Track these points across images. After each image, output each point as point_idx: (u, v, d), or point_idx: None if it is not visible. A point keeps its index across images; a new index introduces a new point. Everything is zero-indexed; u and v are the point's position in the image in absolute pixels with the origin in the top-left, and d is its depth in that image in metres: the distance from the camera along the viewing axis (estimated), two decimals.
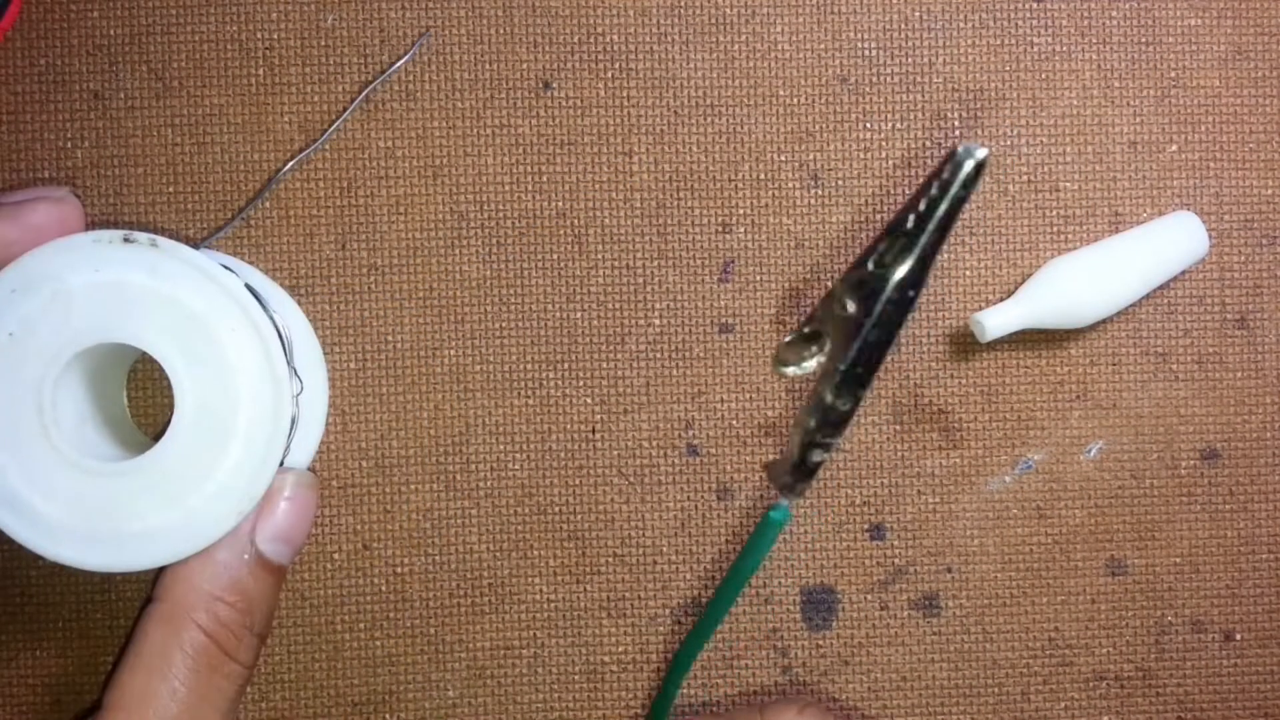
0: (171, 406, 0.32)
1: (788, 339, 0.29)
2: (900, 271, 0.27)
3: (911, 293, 0.28)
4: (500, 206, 0.38)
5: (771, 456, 0.33)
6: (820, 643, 0.38)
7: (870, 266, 0.28)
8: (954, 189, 0.27)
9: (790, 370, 0.29)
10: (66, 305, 0.32)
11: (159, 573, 0.33)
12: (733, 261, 0.38)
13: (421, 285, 0.38)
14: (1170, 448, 0.39)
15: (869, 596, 0.38)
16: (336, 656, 0.38)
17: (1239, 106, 0.39)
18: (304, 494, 0.34)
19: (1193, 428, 0.39)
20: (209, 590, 0.33)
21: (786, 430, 0.38)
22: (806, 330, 0.29)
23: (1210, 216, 0.39)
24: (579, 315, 0.38)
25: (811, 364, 0.29)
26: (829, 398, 0.28)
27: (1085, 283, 0.37)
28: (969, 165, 0.27)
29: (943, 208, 0.27)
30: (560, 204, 0.38)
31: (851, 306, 0.28)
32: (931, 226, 0.28)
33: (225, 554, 0.33)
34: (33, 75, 0.37)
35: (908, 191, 0.38)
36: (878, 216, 0.38)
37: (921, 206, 0.28)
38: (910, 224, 0.28)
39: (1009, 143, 0.38)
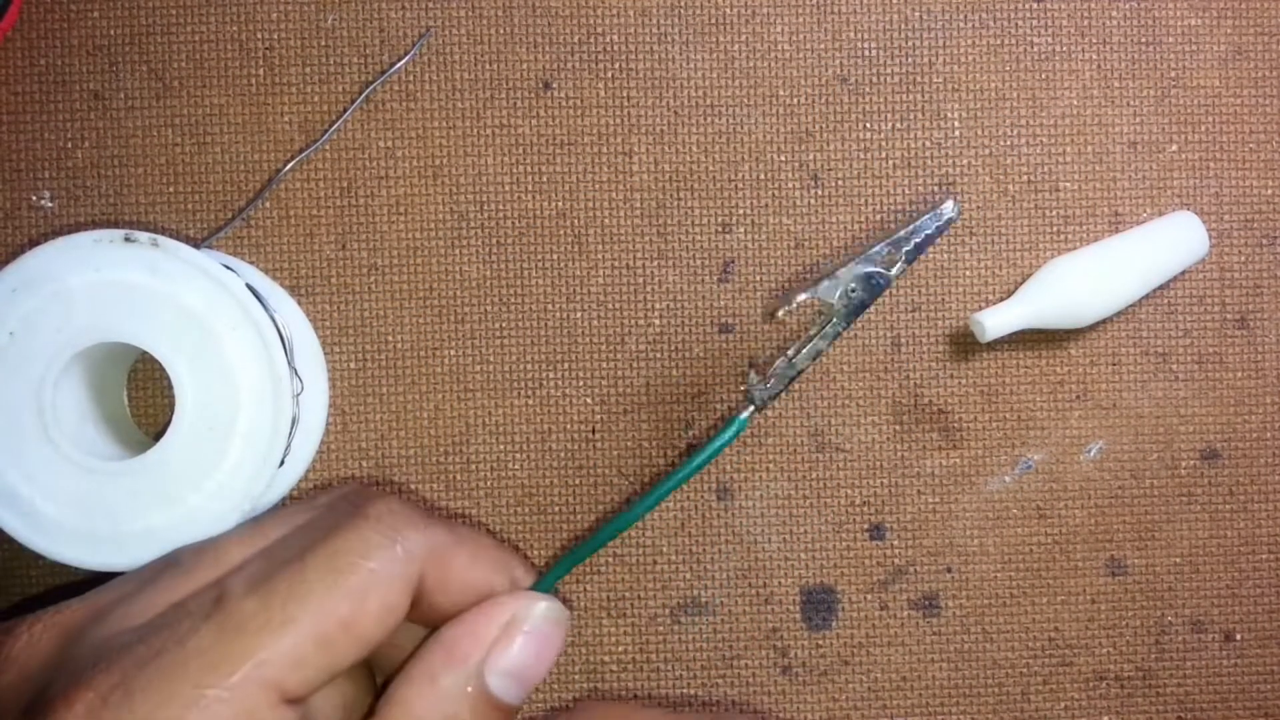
0: (172, 406, 0.32)
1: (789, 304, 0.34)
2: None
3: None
4: (500, 206, 0.38)
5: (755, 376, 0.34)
6: (820, 643, 0.38)
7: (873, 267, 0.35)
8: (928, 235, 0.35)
9: (780, 312, 0.34)
10: (67, 305, 0.32)
11: (383, 691, 0.30)
12: (733, 261, 0.38)
13: (422, 285, 0.38)
14: (1170, 448, 0.39)
15: (869, 596, 0.38)
16: None
17: (1239, 106, 0.39)
18: (548, 630, 0.31)
19: (1193, 428, 0.39)
20: None
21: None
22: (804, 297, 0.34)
23: (1210, 216, 0.39)
24: (579, 315, 0.38)
25: (799, 299, 0.34)
26: (821, 343, 0.34)
27: (1085, 283, 0.37)
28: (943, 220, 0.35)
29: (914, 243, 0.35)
30: (560, 204, 0.38)
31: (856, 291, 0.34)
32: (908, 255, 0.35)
33: (448, 681, 0.29)
34: (33, 75, 0.37)
35: (907, 191, 0.38)
36: (877, 217, 0.38)
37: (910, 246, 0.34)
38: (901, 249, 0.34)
39: (1009, 143, 0.38)
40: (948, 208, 0.34)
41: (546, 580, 0.33)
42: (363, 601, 0.28)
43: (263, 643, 0.27)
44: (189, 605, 0.28)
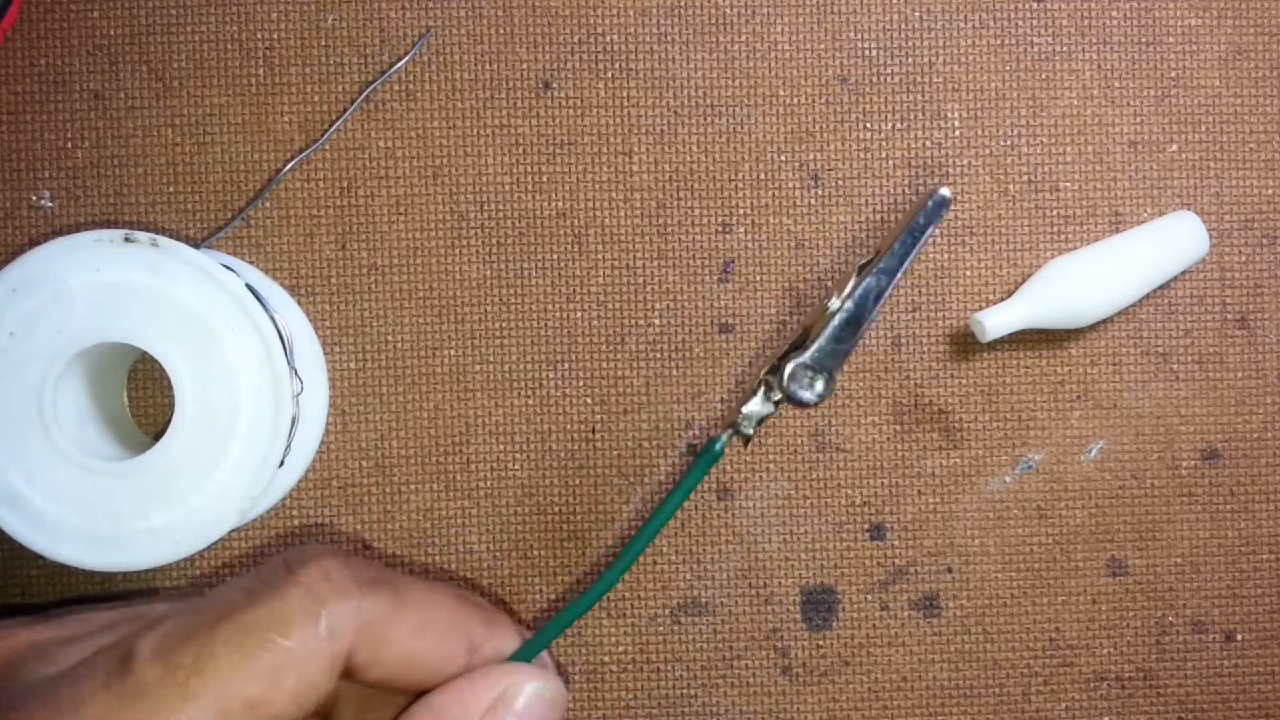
0: (172, 406, 0.32)
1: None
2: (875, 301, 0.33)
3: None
4: (500, 206, 0.38)
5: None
6: (820, 643, 0.38)
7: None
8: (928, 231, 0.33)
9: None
10: (67, 305, 0.32)
11: None
12: (733, 261, 0.38)
13: (422, 285, 0.38)
14: (1171, 448, 0.39)
15: (869, 597, 0.38)
16: None
17: (1239, 106, 0.39)
18: (540, 711, 0.29)
19: (1193, 428, 0.39)
20: None
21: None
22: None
23: (1210, 216, 0.39)
24: (579, 315, 0.38)
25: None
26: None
27: (1085, 283, 0.37)
28: (936, 201, 0.33)
29: (910, 230, 0.33)
30: (560, 204, 0.38)
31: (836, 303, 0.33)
32: (903, 240, 0.33)
33: None
34: (33, 75, 0.37)
35: (907, 191, 0.38)
36: (878, 216, 0.38)
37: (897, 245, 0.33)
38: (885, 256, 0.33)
39: (1009, 142, 0.38)
40: (942, 194, 0.33)
41: (529, 648, 0.30)
42: (275, 682, 0.26)
43: (161, 715, 0.26)
44: (99, 660, 0.27)
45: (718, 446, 0.32)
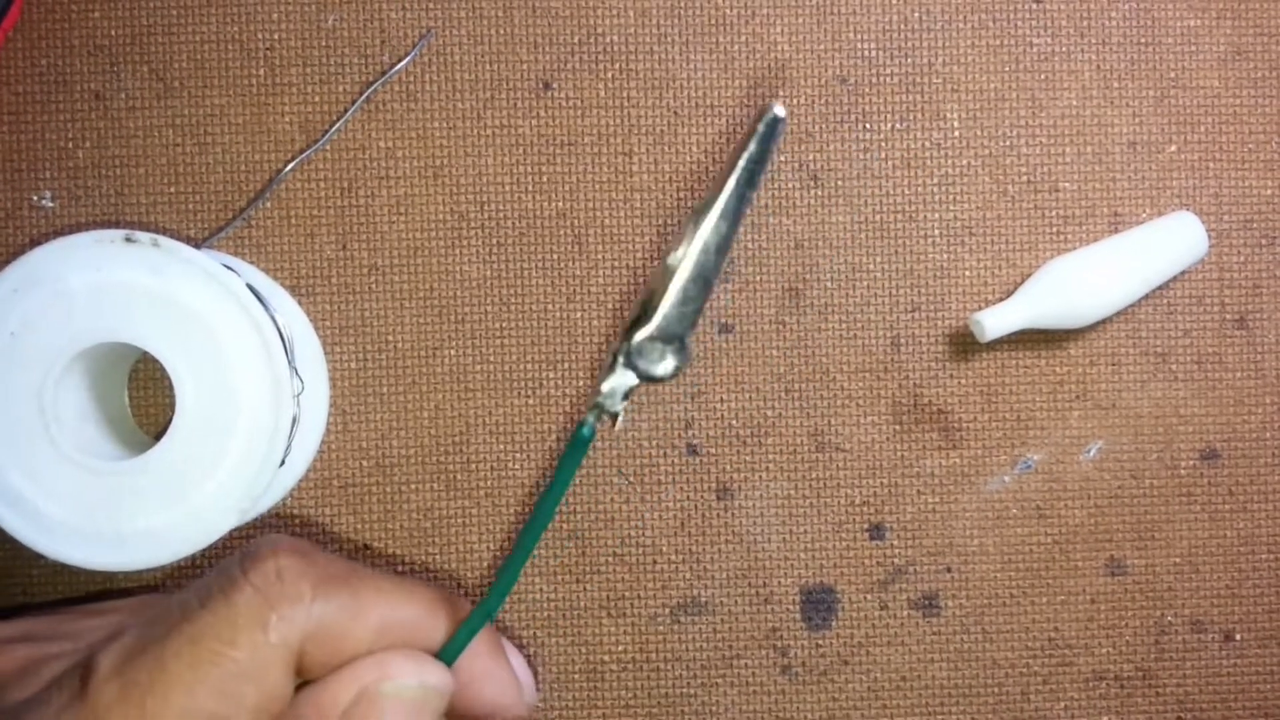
0: (172, 406, 0.32)
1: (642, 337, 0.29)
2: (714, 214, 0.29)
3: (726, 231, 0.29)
4: (501, 206, 0.38)
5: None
6: (820, 642, 0.38)
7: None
8: (754, 145, 0.29)
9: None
10: (68, 305, 0.32)
11: None
12: (733, 262, 0.38)
13: (422, 285, 0.38)
14: (1170, 448, 0.39)
15: (869, 596, 0.38)
16: None
17: (1238, 107, 0.39)
18: (406, 710, 0.27)
19: (1192, 428, 0.39)
20: None
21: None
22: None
23: (1209, 216, 0.39)
24: (579, 315, 0.38)
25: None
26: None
27: (1085, 283, 0.37)
28: (766, 121, 0.28)
29: (744, 160, 0.29)
30: (560, 204, 0.38)
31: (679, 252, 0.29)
32: (738, 175, 0.29)
33: None
34: (34, 76, 0.37)
35: (907, 192, 0.38)
36: (877, 217, 0.38)
37: (740, 165, 0.29)
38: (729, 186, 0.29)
39: (1008, 143, 0.38)
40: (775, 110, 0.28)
41: (449, 649, 0.29)
42: (230, 696, 0.26)
43: None
44: (63, 682, 0.27)
45: (585, 431, 0.29)
